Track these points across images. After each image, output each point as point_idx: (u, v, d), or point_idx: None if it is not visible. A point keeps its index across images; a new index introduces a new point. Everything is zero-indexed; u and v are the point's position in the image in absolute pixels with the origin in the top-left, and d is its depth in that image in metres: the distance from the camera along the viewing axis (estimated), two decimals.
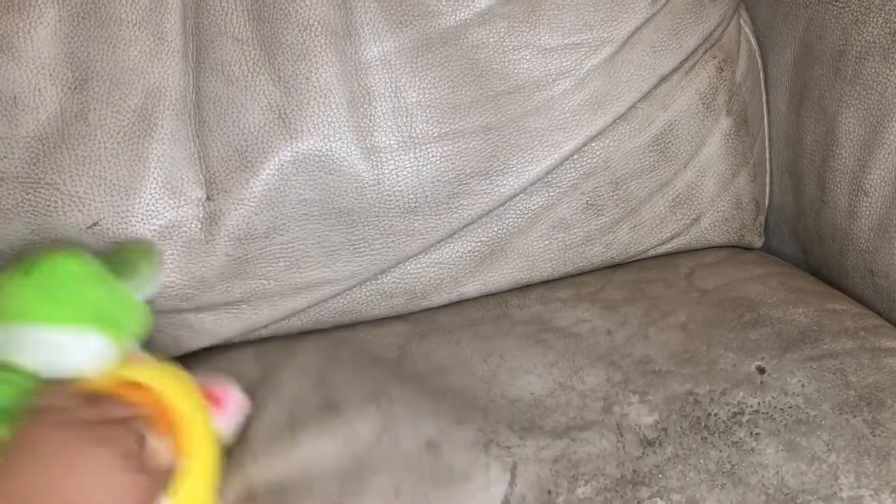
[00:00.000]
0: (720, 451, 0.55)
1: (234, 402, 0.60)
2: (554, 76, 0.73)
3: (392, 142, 0.71)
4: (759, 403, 0.58)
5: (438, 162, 0.72)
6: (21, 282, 0.52)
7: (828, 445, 0.54)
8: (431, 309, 0.76)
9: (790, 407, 0.57)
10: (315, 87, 0.69)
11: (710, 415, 0.58)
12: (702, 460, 0.54)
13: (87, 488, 0.45)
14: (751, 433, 0.56)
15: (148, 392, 0.52)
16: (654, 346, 0.65)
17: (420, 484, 0.55)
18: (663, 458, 0.55)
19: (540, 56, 0.73)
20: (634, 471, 0.54)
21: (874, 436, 0.55)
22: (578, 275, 0.79)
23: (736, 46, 0.80)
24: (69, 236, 0.67)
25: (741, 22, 0.81)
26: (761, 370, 0.61)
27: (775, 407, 0.58)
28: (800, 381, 0.60)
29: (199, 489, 0.53)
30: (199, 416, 0.54)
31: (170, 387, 0.53)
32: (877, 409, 0.57)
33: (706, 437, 0.56)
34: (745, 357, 0.62)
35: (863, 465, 0.53)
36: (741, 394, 0.59)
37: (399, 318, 0.76)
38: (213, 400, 0.57)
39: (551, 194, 0.75)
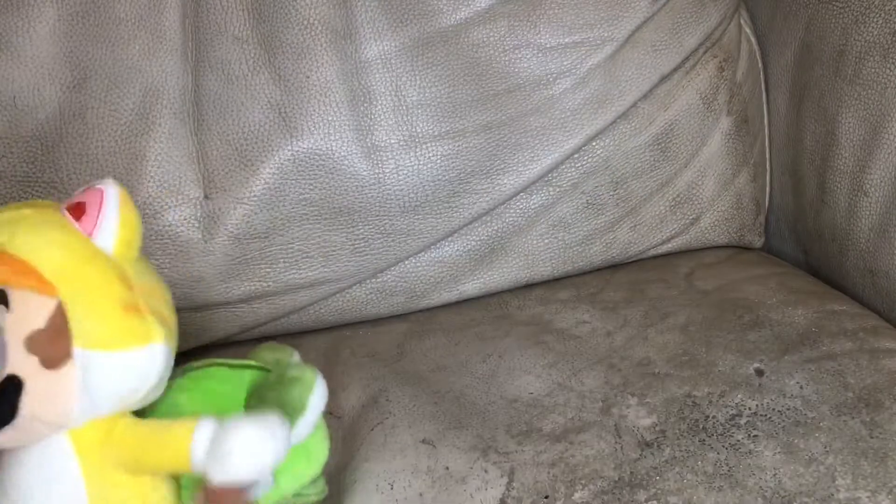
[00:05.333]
0: (718, 453, 0.55)
1: (102, 202, 0.45)
2: (554, 75, 0.73)
3: (392, 141, 0.71)
4: (757, 405, 0.58)
5: (439, 161, 0.72)
6: None
7: (825, 447, 0.54)
8: (431, 308, 0.76)
9: (788, 409, 0.57)
10: (315, 85, 0.69)
11: (708, 417, 0.58)
12: (699, 462, 0.54)
13: None
14: (749, 435, 0.56)
15: None
16: (653, 348, 0.65)
17: (415, 480, 0.56)
18: (661, 461, 0.55)
19: (540, 55, 0.73)
20: (632, 473, 0.54)
21: (872, 437, 0.55)
22: (578, 275, 0.79)
23: (736, 46, 0.79)
24: None
25: (741, 22, 0.81)
26: (760, 372, 0.61)
27: (773, 409, 0.58)
28: (798, 382, 0.60)
29: (101, 309, 0.43)
30: (61, 246, 0.43)
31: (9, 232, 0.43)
32: (875, 411, 0.57)
33: (704, 440, 0.56)
34: (743, 359, 0.62)
35: (860, 467, 0.53)
36: (739, 396, 0.59)
37: (399, 317, 0.76)
38: (74, 212, 0.45)
39: (551, 193, 0.75)
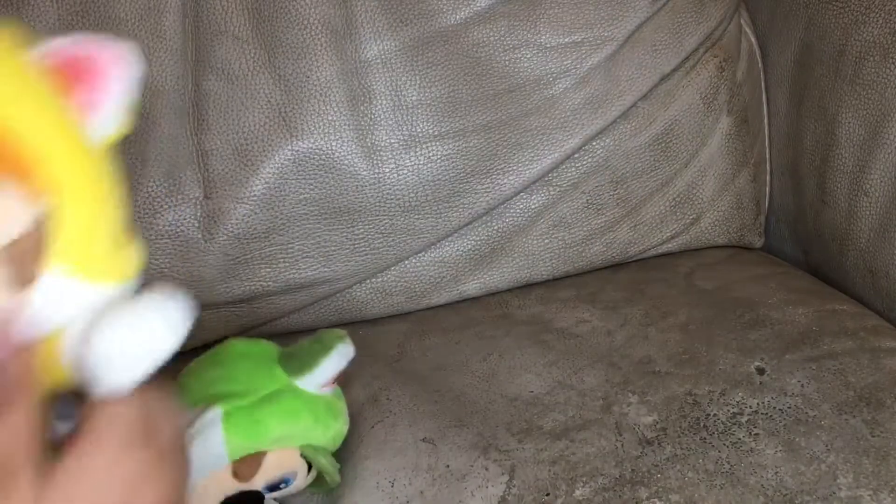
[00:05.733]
0: (719, 451, 0.55)
1: (117, 70, 0.33)
2: (554, 75, 0.73)
3: (392, 141, 0.71)
4: (758, 404, 0.58)
5: (439, 161, 0.72)
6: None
7: (827, 446, 0.54)
8: (432, 308, 0.76)
9: (789, 407, 0.57)
10: (315, 85, 0.69)
11: (709, 415, 0.57)
12: (700, 460, 0.54)
13: None
14: (750, 433, 0.56)
15: None
16: (653, 346, 0.65)
17: (416, 478, 0.56)
18: (662, 458, 0.55)
19: (540, 55, 0.73)
20: (633, 470, 0.54)
21: (873, 436, 0.55)
22: (578, 274, 0.78)
23: (736, 46, 0.79)
24: None
25: (742, 22, 0.81)
26: (761, 371, 0.61)
27: (774, 407, 0.57)
28: (799, 381, 0.60)
29: (92, 228, 0.32)
30: (52, 125, 0.31)
31: None
32: (876, 410, 0.57)
33: (705, 438, 0.56)
34: (744, 357, 0.62)
35: (861, 466, 0.53)
36: (740, 394, 0.59)
37: (399, 316, 0.76)
38: (75, 76, 0.32)
39: (552, 193, 0.75)
